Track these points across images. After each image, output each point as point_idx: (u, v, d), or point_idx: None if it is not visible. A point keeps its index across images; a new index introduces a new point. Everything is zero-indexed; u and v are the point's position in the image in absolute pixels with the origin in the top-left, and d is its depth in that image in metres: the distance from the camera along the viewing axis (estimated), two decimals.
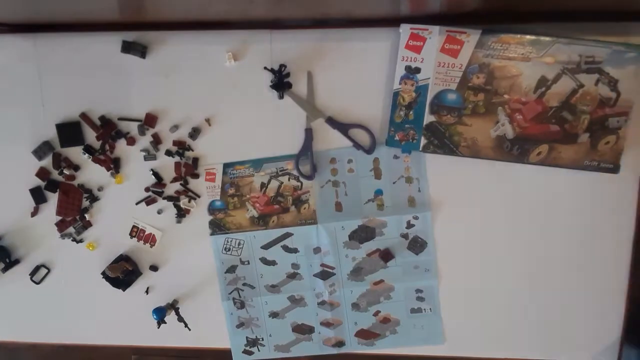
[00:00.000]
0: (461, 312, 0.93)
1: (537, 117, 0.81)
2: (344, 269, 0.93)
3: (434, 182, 0.89)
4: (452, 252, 0.91)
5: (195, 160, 0.90)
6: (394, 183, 0.89)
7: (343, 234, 0.92)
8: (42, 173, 0.93)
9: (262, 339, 0.97)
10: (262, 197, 0.91)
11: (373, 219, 0.91)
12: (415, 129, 0.85)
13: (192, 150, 0.90)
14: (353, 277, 0.93)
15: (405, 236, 0.91)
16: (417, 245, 0.91)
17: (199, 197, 0.92)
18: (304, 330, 0.96)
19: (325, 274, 0.94)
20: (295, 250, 0.93)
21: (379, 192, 0.90)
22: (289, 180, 0.90)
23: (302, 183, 0.90)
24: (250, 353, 0.98)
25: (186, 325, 0.96)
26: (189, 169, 0.90)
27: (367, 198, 0.90)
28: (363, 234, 0.91)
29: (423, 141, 0.85)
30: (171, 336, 0.97)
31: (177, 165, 0.91)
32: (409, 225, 0.91)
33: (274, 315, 0.96)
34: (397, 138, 0.86)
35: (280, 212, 0.92)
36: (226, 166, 0.91)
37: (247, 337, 0.97)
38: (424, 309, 0.94)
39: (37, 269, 0.97)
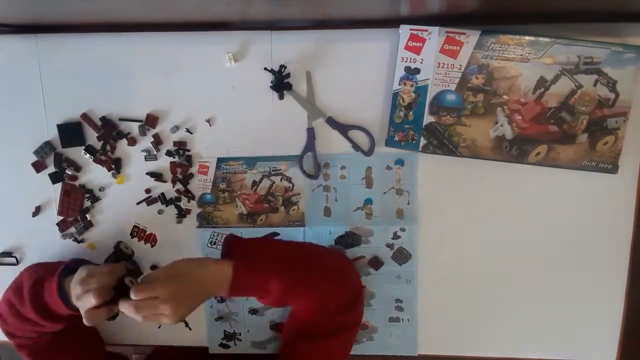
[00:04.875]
0: (446, 320, 0.94)
1: (536, 117, 0.82)
2: None
3: (427, 185, 0.89)
4: (439, 262, 0.91)
5: (189, 157, 0.91)
6: (384, 193, 0.90)
7: (329, 238, 0.92)
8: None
9: (240, 334, 0.97)
10: (253, 194, 0.91)
11: (360, 227, 0.91)
12: (415, 130, 0.85)
13: (194, 147, 0.91)
14: None
15: (390, 246, 0.91)
16: (401, 256, 0.91)
17: (194, 198, 0.92)
18: (281, 329, 0.96)
19: None
20: None
21: (368, 201, 0.90)
22: (281, 180, 0.91)
23: (293, 185, 0.91)
24: (226, 347, 0.98)
25: (187, 325, 0.96)
26: (184, 168, 0.91)
27: (356, 206, 0.91)
28: (349, 240, 0.92)
29: (422, 141, 0.85)
30: (172, 335, 0.97)
31: (173, 165, 0.91)
32: (395, 237, 0.91)
33: (254, 312, 0.96)
34: (396, 138, 0.86)
35: (269, 211, 0.92)
36: (220, 161, 0.91)
37: (224, 331, 0.97)
38: (402, 319, 0.94)
39: None
